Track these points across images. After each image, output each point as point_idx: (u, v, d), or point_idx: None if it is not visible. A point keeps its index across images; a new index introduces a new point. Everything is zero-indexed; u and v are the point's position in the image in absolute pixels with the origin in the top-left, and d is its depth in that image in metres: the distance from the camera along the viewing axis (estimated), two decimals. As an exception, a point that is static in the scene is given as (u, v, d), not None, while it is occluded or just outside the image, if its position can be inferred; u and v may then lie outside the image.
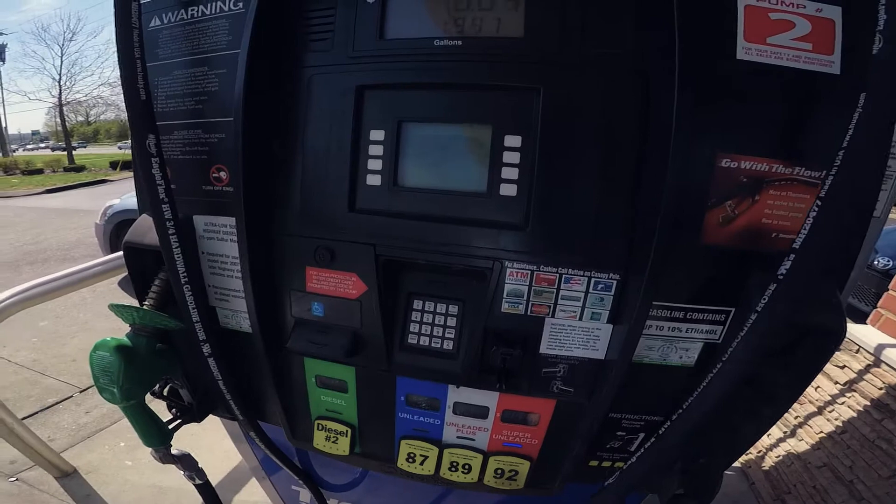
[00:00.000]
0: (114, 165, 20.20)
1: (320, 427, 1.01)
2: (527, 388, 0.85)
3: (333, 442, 1.02)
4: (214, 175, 0.88)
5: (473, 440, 0.95)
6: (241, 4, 0.81)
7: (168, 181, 0.80)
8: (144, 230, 0.91)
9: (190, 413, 1.10)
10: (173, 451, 1.08)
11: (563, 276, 0.77)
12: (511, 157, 0.76)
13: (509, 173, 0.76)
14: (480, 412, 0.92)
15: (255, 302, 0.88)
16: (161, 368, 1.00)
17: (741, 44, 0.63)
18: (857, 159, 0.53)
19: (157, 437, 1.02)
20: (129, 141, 0.81)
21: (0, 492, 1.99)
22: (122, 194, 4.84)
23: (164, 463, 1.08)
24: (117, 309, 0.89)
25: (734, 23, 0.62)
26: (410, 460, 0.98)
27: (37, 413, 2.58)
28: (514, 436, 0.93)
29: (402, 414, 0.96)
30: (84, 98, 29.85)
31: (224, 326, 0.98)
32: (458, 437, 0.95)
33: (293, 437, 1.07)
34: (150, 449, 1.05)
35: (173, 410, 1.10)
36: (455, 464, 0.96)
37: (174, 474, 1.94)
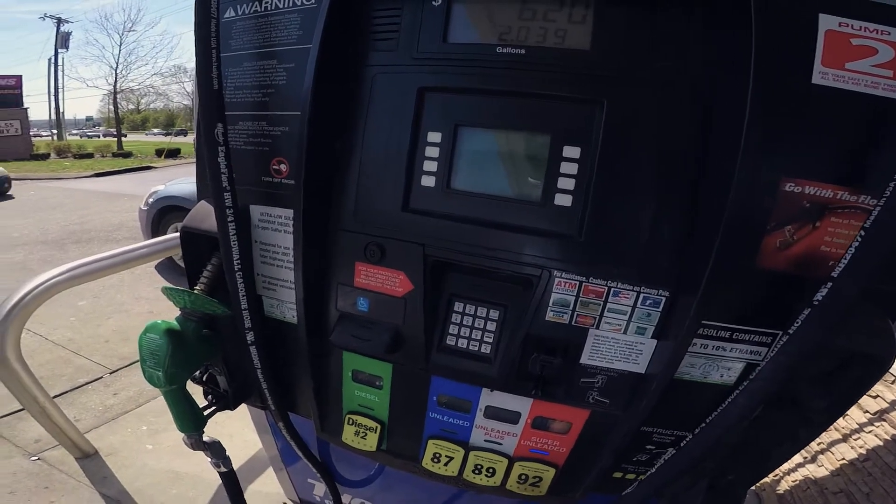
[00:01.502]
0: (159, 153, 20.22)
1: (350, 422, 0.96)
2: (562, 397, 0.80)
3: (362, 437, 0.96)
4: (275, 167, 0.84)
5: (501, 444, 0.89)
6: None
7: (231, 170, 0.77)
8: (202, 216, 0.88)
9: (225, 400, 1.05)
10: (204, 438, 1.03)
11: (612, 289, 0.72)
12: (568, 168, 0.72)
13: (565, 184, 0.72)
14: (511, 417, 0.87)
15: (304, 293, 0.83)
16: (205, 354, 0.95)
17: (818, 68, 0.58)
18: None
19: (192, 423, 0.98)
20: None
21: (21, 470, 1.92)
22: (166, 181, 4.72)
23: (194, 449, 1.03)
24: (170, 292, 0.85)
25: (812, 47, 0.58)
26: (436, 460, 0.93)
27: (66, 392, 2.51)
28: (543, 443, 0.87)
29: (432, 414, 0.91)
30: (137, 87, 29.83)
31: (269, 315, 0.94)
32: (485, 441, 0.90)
33: (322, 430, 1.01)
34: (182, 434, 1.00)
35: (209, 397, 1.06)
36: (479, 466, 0.91)
37: (192, 461, 1.89)
